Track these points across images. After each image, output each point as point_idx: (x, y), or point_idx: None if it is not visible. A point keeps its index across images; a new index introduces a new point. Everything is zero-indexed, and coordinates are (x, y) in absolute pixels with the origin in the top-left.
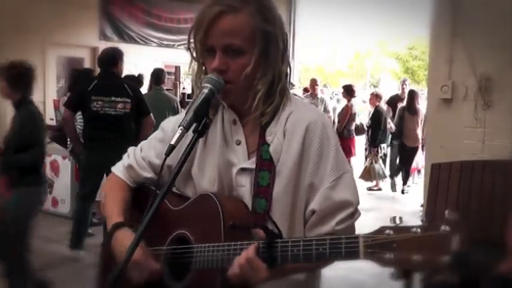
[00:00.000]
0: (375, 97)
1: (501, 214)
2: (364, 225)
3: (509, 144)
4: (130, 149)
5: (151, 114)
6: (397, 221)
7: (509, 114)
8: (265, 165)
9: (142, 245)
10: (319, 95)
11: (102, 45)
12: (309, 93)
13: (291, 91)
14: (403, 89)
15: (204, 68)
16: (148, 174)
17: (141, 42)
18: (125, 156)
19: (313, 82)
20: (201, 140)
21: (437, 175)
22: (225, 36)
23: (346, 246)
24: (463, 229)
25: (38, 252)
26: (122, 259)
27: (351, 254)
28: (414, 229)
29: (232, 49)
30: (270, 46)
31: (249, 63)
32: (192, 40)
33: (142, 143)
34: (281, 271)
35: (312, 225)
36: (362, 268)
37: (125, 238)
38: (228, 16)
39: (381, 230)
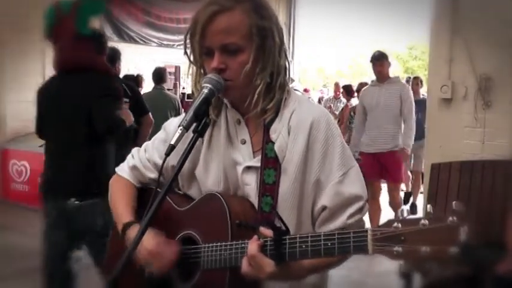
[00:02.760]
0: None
1: (501, 214)
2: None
3: (509, 144)
4: (134, 150)
5: (150, 113)
6: (405, 214)
7: (509, 114)
8: (271, 163)
9: (153, 233)
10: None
11: None
12: (332, 96)
13: (291, 85)
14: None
15: (202, 71)
16: (152, 174)
17: (141, 42)
18: (129, 157)
19: (337, 86)
20: (205, 141)
21: (437, 175)
22: (221, 35)
23: (354, 240)
24: (471, 220)
25: (38, 252)
26: (132, 255)
27: (360, 248)
28: (422, 221)
29: (230, 47)
30: (266, 41)
31: (248, 60)
32: (188, 44)
33: (146, 144)
34: (294, 270)
35: (323, 221)
36: (362, 268)
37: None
38: (223, 15)
39: (389, 223)
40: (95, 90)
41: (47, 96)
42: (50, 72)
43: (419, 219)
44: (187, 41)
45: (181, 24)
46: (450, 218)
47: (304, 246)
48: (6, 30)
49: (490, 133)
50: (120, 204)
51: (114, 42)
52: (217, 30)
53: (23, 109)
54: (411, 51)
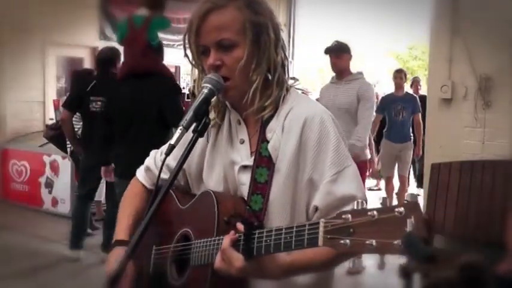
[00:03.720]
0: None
1: (501, 214)
2: None
3: (509, 144)
4: (153, 152)
5: None
6: (359, 206)
7: (509, 114)
8: (264, 162)
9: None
10: None
11: (102, 45)
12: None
13: (293, 84)
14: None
15: (203, 73)
16: (165, 175)
17: None
18: (147, 158)
19: None
20: (210, 144)
21: (437, 175)
22: (215, 32)
23: (308, 233)
24: (419, 212)
25: (38, 252)
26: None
27: (312, 241)
28: (370, 212)
29: (224, 44)
30: (261, 36)
31: (243, 55)
32: (187, 45)
33: (164, 146)
34: (267, 267)
35: None
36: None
37: (117, 256)
38: (215, 13)
39: (340, 215)
40: (166, 90)
41: (120, 97)
42: (49, 72)
43: (368, 210)
44: (186, 43)
45: (181, 24)
46: (397, 209)
47: (268, 241)
48: (6, 30)
49: (490, 133)
50: (122, 218)
51: (114, 43)
52: (210, 27)
53: (23, 109)
54: (411, 51)
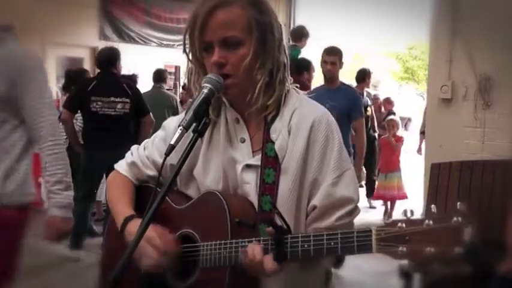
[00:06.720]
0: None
1: (501, 214)
2: (364, 224)
3: (509, 144)
4: (134, 147)
5: (151, 113)
6: (409, 214)
7: (509, 114)
8: (270, 163)
9: (156, 226)
10: None
11: (102, 45)
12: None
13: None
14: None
15: (201, 70)
16: (151, 172)
17: (141, 42)
18: (128, 154)
19: None
20: (205, 141)
21: (437, 175)
22: (221, 29)
23: (358, 240)
24: (474, 221)
25: (38, 252)
26: (129, 247)
27: (363, 247)
28: (426, 221)
29: (230, 41)
30: (266, 36)
31: (248, 54)
32: (187, 41)
33: (146, 142)
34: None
35: (311, 220)
36: (362, 268)
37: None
38: (222, 10)
39: (393, 223)
40: None
41: None
42: (49, 72)
43: (423, 220)
44: (187, 39)
45: (181, 24)
46: (454, 219)
47: (306, 246)
48: None
49: (490, 133)
50: (119, 201)
51: (114, 42)
52: (217, 24)
53: None
54: (411, 51)
